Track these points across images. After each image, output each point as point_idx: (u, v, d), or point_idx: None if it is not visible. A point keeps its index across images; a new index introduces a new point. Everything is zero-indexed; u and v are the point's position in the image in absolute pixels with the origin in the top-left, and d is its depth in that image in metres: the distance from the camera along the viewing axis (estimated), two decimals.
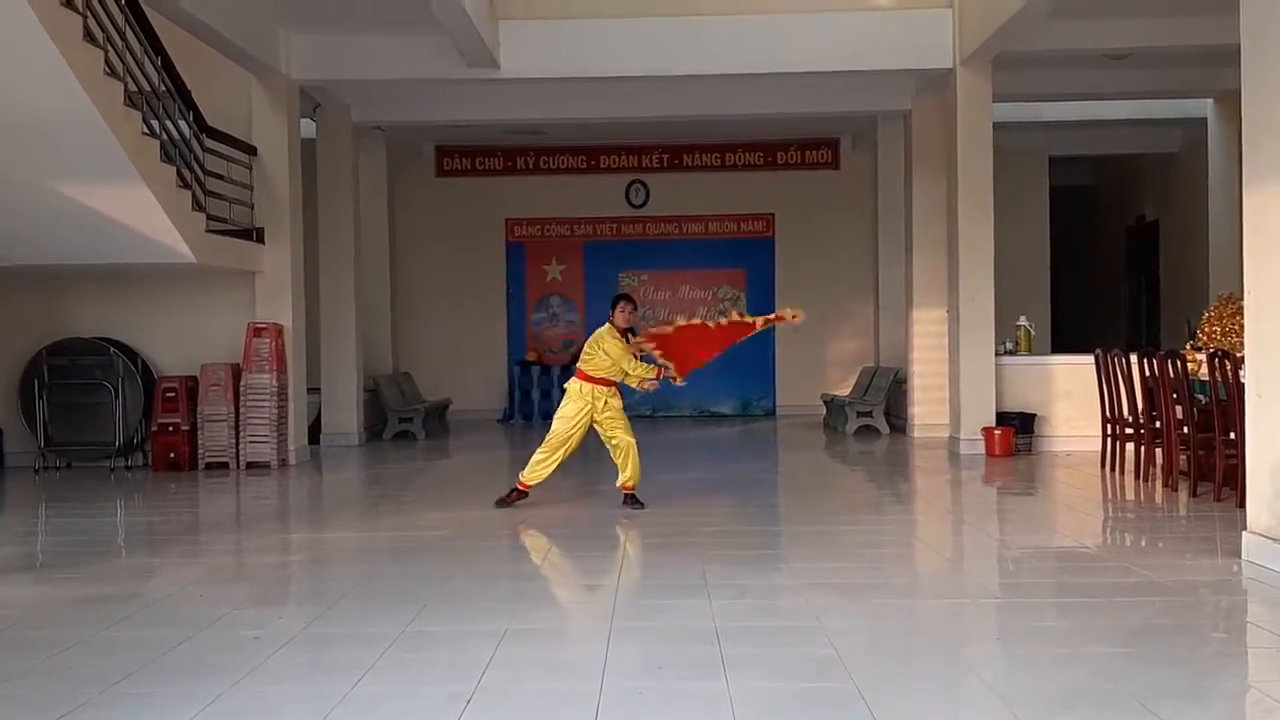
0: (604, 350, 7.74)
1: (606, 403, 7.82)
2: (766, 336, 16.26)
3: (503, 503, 7.86)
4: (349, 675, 4.04)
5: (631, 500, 7.89)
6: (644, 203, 16.31)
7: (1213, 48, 10.54)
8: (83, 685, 3.97)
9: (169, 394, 10.71)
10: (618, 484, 7.92)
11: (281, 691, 4.03)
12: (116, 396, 10.69)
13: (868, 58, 11.08)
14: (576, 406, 7.80)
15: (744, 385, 16.35)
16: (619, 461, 7.88)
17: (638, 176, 16.27)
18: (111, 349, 10.80)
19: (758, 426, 14.99)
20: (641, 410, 16.27)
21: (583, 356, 7.90)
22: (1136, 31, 10.62)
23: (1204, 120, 14.17)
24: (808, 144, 16.02)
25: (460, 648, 4.48)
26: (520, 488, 7.88)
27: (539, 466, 7.84)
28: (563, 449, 7.82)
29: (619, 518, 7.60)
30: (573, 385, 7.89)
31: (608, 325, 7.86)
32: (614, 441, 7.85)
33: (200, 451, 10.67)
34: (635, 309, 8.02)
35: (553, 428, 7.89)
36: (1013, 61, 10.94)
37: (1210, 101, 13.91)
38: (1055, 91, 12.86)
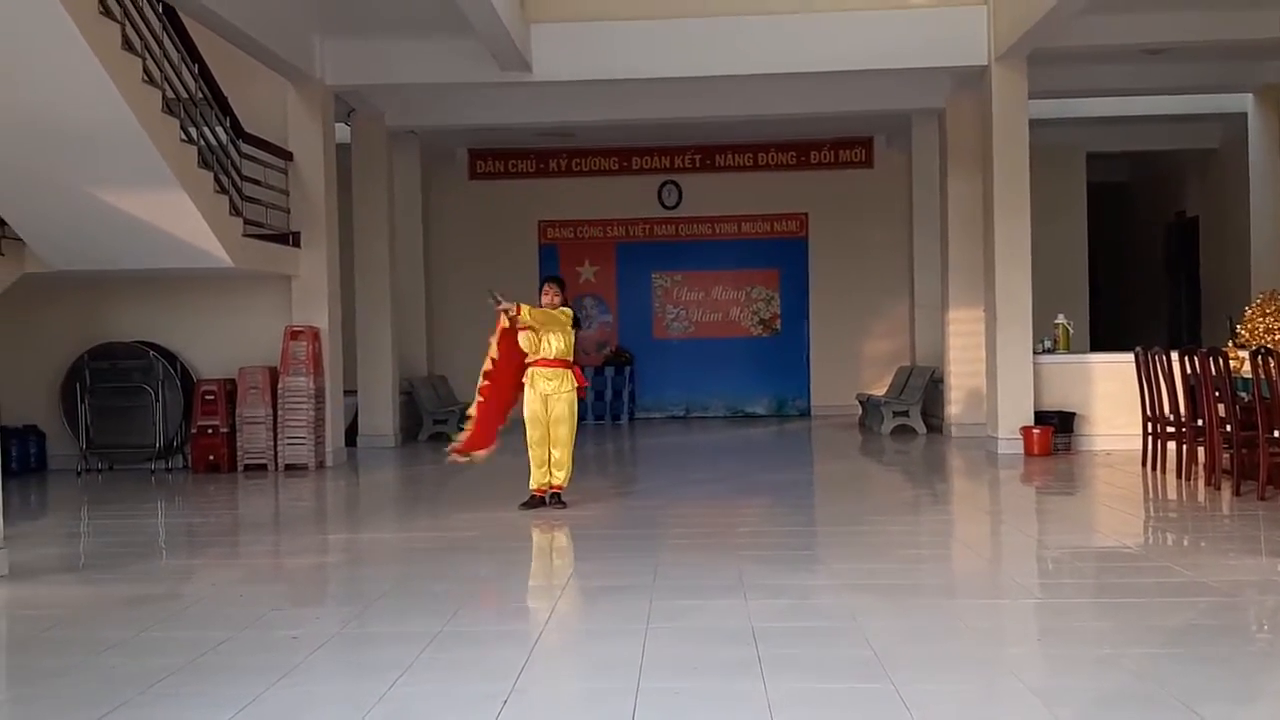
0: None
1: (543, 385, 7.80)
2: (800, 338, 16.22)
3: (525, 506, 7.89)
4: (387, 675, 4.06)
5: (555, 499, 7.90)
6: (677, 203, 16.30)
7: (1252, 42, 10.42)
8: (124, 685, 4.01)
9: (208, 397, 10.83)
10: (551, 483, 7.89)
11: (320, 691, 4.06)
12: (156, 399, 10.82)
13: (902, 55, 11.01)
14: (526, 393, 7.88)
15: (778, 385, 16.31)
16: (554, 459, 7.85)
17: (670, 177, 16.26)
18: (151, 353, 10.93)
19: (792, 427, 14.94)
20: (675, 411, 16.31)
21: None
22: (1174, 25, 10.48)
23: (1244, 115, 13.98)
24: (841, 143, 15.94)
25: (496, 648, 4.49)
26: (534, 494, 7.91)
27: (535, 469, 7.90)
28: (539, 443, 7.84)
29: (647, 515, 7.58)
30: (526, 376, 7.92)
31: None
32: (552, 437, 7.83)
33: (239, 453, 10.78)
34: (560, 289, 7.99)
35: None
36: (1048, 57, 10.83)
37: (1250, 96, 13.71)
38: (1092, 87, 12.73)
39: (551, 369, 7.83)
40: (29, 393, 10.82)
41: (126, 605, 5.39)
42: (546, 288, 7.97)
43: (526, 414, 7.90)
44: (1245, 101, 13.87)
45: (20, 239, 9.42)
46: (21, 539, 6.93)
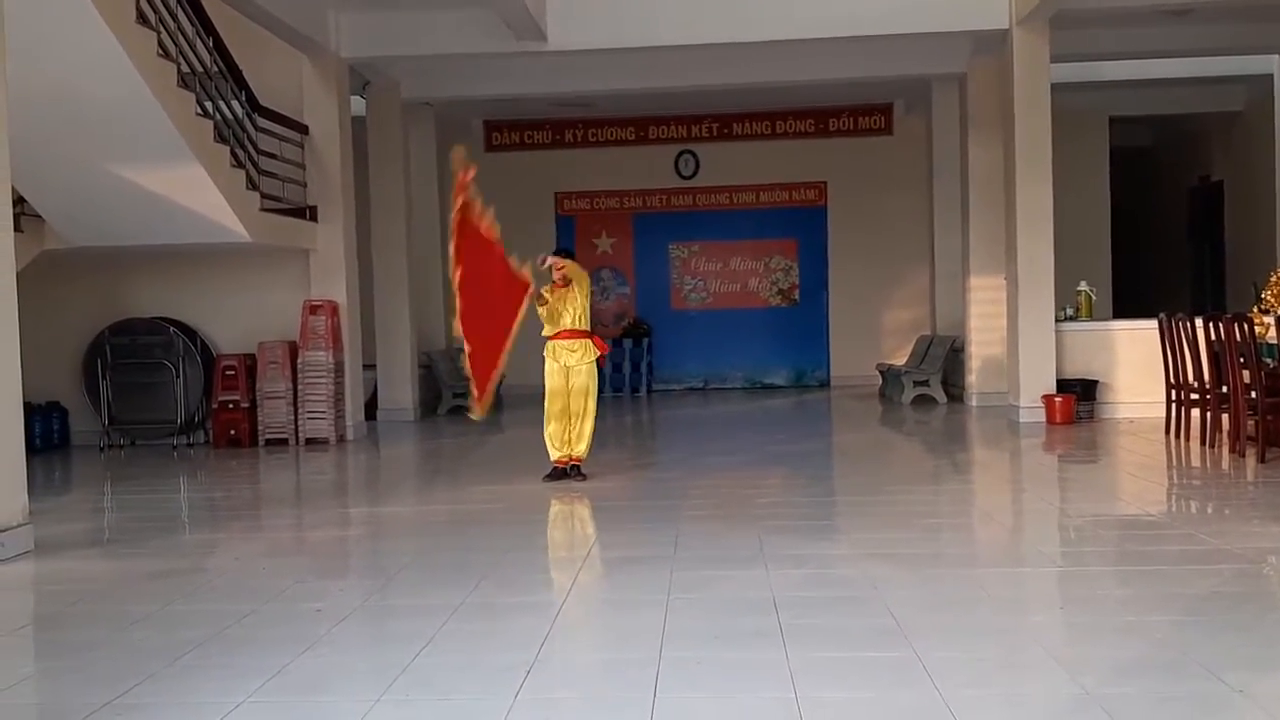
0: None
1: (566, 358, 7.79)
2: (819, 308, 16.16)
3: (549, 478, 7.90)
4: (410, 646, 4.08)
5: (576, 471, 7.89)
6: (694, 173, 16.21)
7: (1277, 2, 10.22)
8: (150, 657, 4.04)
9: (228, 372, 10.88)
10: (571, 454, 7.86)
11: (345, 662, 4.09)
12: (177, 375, 10.88)
13: (921, 19, 10.87)
14: (548, 365, 7.85)
15: (797, 356, 16.27)
16: (576, 430, 7.84)
17: (687, 147, 16.17)
18: (171, 328, 10.97)
19: (812, 397, 14.90)
20: (694, 383, 16.30)
21: None
22: None
23: (1269, 77, 13.75)
24: (860, 110, 15.79)
25: (518, 619, 4.51)
26: (556, 465, 7.92)
27: (552, 441, 7.89)
28: (559, 416, 7.83)
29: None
30: (546, 348, 7.91)
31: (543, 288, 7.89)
32: (574, 408, 7.82)
33: (260, 428, 10.84)
34: (566, 257, 7.95)
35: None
36: (1070, 20, 10.68)
37: (1276, 57, 13.48)
38: (1114, 50, 12.54)
39: (573, 340, 7.82)
40: (51, 370, 10.89)
41: (151, 579, 5.43)
42: (555, 262, 7.92)
43: (548, 386, 7.87)
44: (1271, 63, 13.64)
45: (39, 216, 9.46)
46: (46, 514, 6.99)
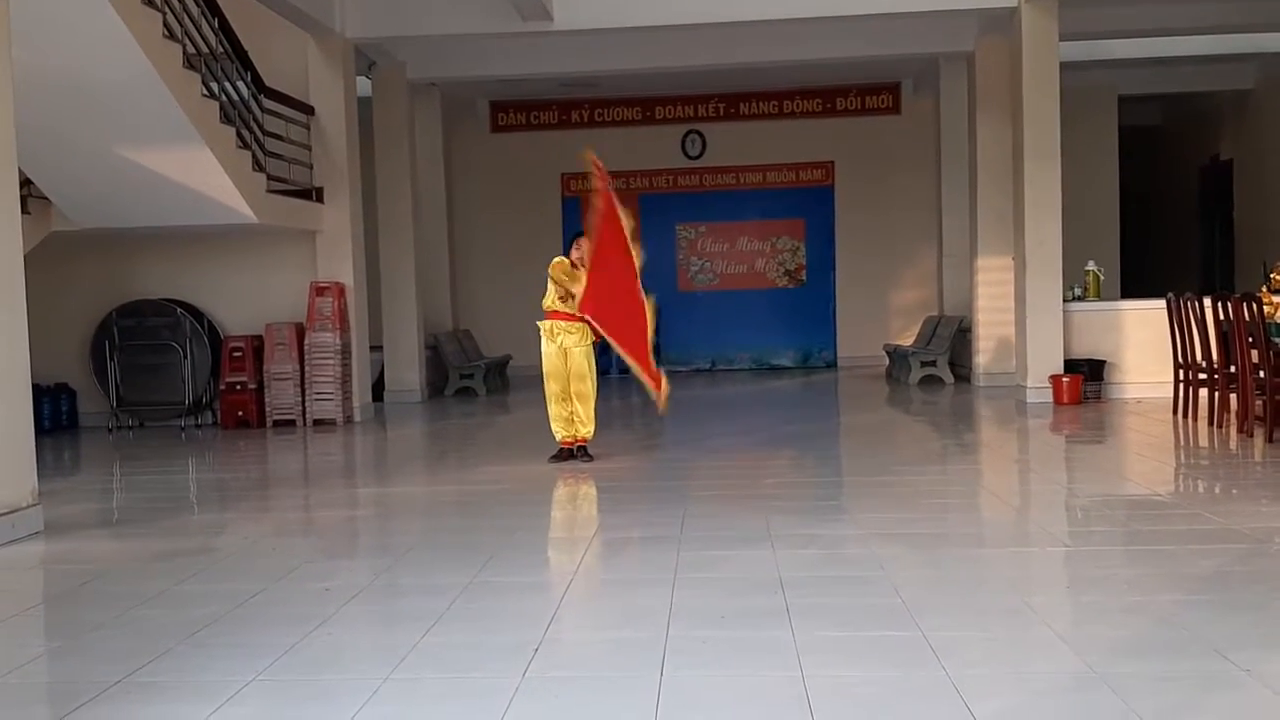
0: (549, 277, 7.78)
1: (564, 339, 7.78)
2: (826, 289, 16.13)
3: (555, 459, 7.91)
4: (419, 625, 4.09)
5: (583, 452, 7.89)
6: (700, 153, 16.17)
7: None
8: (162, 636, 4.06)
9: (235, 353, 10.90)
10: (577, 435, 7.87)
11: (354, 641, 4.11)
12: (185, 356, 10.91)
13: None
14: (545, 347, 7.84)
15: (805, 337, 16.26)
16: (580, 412, 7.83)
17: (694, 127, 16.12)
18: (179, 310, 11.00)
19: (819, 378, 14.90)
20: (701, 364, 16.29)
21: None
22: None
23: None
24: (868, 89, 15.74)
25: (526, 598, 4.52)
26: (562, 446, 7.92)
27: (555, 422, 7.89)
28: (559, 397, 7.82)
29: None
30: (541, 327, 7.90)
31: (560, 257, 7.87)
32: (574, 390, 7.81)
33: (267, 409, 10.87)
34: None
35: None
36: None
37: None
38: (1124, 28, 12.46)
39: (570, 322, 7.81)
40: (59, 351, 10.92)
41: (160, 559, 5.46)
42: (578, 242, 7.93)
43: (546, 368, 7.88)
44: None
45: (47, 198, 9.46)
46: (55, 495, 7.03)
